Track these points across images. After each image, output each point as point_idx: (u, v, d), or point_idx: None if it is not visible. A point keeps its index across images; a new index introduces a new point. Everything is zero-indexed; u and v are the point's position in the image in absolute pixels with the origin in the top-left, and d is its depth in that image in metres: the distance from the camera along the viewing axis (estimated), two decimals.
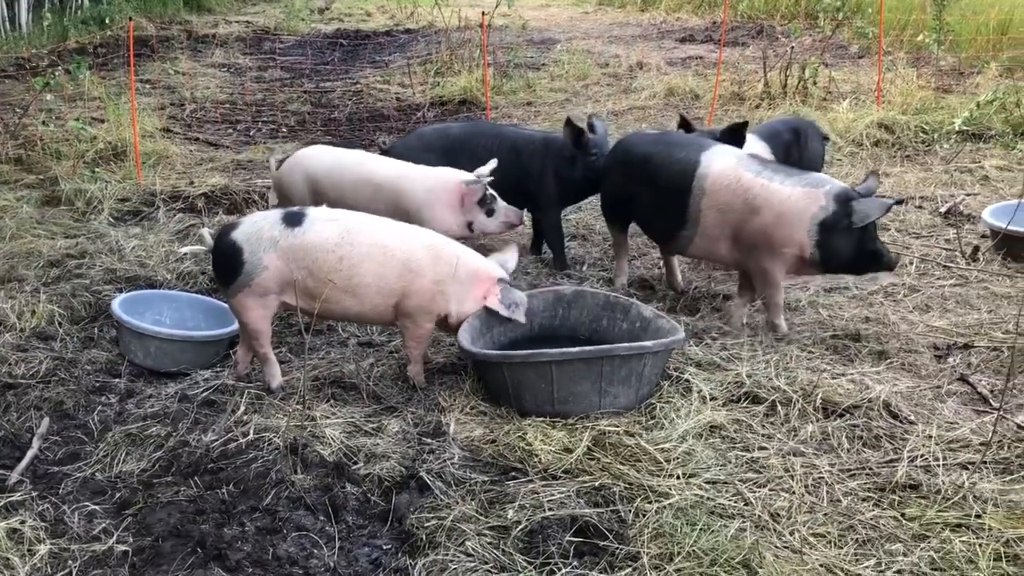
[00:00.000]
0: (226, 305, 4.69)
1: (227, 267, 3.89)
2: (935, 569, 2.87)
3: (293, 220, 3.88)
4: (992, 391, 3.91)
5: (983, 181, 6.79)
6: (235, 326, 4.45)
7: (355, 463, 3.47)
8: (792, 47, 9.79)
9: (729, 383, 3.96)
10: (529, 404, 3.75)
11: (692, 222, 4.52)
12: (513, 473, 3.43)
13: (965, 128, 7.90)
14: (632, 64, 11.10)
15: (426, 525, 3.13)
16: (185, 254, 4.72)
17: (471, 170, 4.85)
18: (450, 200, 4.75)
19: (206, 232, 4.12)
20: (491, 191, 4.79)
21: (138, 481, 3.37)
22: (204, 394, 3.99)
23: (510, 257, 4.22)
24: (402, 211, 4.65)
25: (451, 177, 4.79)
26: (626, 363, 3.72)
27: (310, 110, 9.67)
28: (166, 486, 3.33)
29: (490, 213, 4.80)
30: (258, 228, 3.88)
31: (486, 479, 3.39)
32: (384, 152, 5.43)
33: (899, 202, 4.67)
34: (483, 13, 8.93)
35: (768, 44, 10.88)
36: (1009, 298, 4.82)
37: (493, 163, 4.84)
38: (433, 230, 4.26)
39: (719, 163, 4.47)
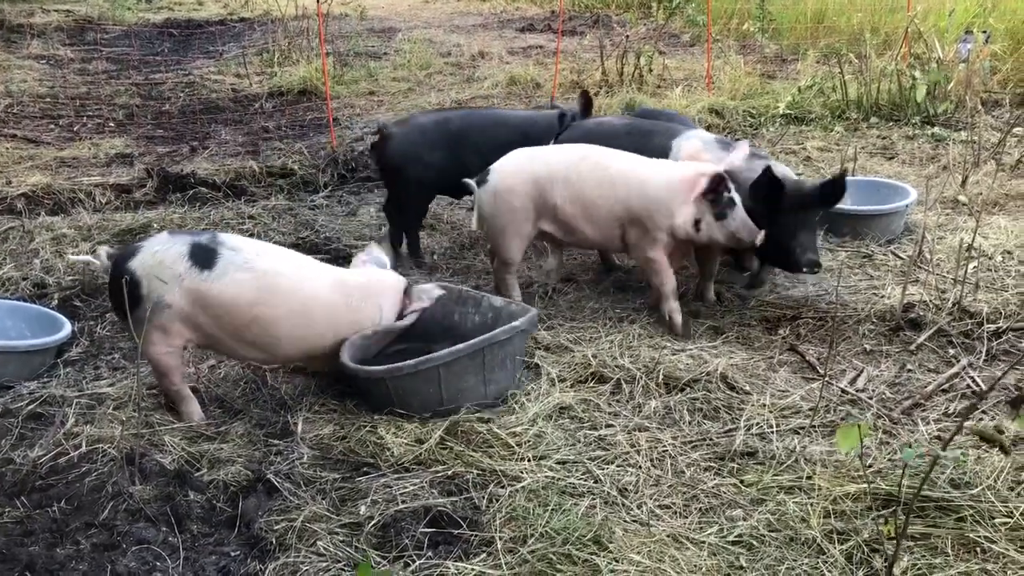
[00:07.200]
0: (52, 312, 4.43)
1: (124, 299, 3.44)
2: (772, 530, 3.02)
3: (204, 258, 3.47)
4: (819, 359, 4.15)
5: (806, 161, 7.18)
6: (63, 334, 4.20)
7: (198, 470, 3.34)
8: (627, 36, 10.06)
9: (576, 364, 4.05)
10: (417, 409, 3.69)
11: None
12: (365, 468, 3.39)
13: (788, 112, 8.34)
14: (474, 53, 11.12)
15: (275, 528, 3.05)
16: (76, 262, 4.15)
17: (474, 161, 4.77)
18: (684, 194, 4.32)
19: (103, 251, 3.67)
20: (730, 193, 4.28)
21: None
22: (29, 407, 3.74)
23: (430, 288, 4.06)
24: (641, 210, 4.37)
25: (691, 169, 4.39)
26: (503, 347, 3.75)
27: (139, 103, 9.20)
28: None
29: (719, 217, 4.31)
30: (159, 260, 3.48)
31: (337, 476, 3.34)
32: (384, 136, 5.16)
33: None
34: (318, 1, 8.73)
35: (605, 33, 11.12)
36: (831, 271, 5.12)
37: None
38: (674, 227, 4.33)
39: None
